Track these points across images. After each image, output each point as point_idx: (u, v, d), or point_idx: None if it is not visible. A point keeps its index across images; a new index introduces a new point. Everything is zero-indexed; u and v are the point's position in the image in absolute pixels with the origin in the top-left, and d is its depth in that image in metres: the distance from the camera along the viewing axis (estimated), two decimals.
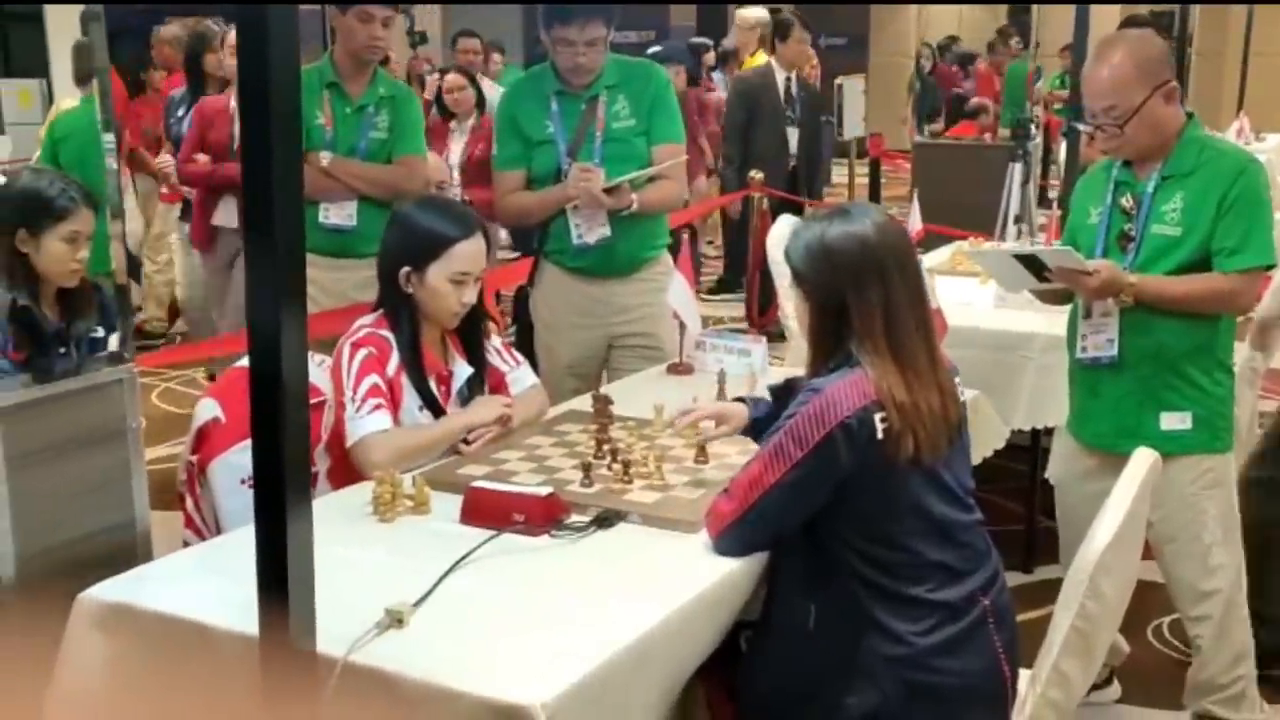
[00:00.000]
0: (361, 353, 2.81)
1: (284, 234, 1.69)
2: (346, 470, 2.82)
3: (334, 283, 4.10)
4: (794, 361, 4.25)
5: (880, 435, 2.24)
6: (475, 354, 3.03)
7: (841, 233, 2.35)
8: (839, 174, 11.02)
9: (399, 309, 2.88)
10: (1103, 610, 2.23)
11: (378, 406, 2.76)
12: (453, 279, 2.86)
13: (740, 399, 2.79)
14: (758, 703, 2.39)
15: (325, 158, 4.09)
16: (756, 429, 2.65)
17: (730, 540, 2.33)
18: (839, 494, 2.27)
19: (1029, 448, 4.42)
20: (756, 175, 7.50)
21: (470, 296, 2.90)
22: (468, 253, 2.88)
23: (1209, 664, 3.13)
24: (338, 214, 4.10)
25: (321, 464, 2.93)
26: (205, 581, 2.22)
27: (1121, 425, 3.10)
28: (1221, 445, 3.10)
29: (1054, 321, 4.01)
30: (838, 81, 8.87)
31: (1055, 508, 3.48)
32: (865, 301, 2.31)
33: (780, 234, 5.59)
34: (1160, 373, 3.05)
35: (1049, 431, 4.41)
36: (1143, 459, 2.40)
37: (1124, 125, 2.99)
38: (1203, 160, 3.01)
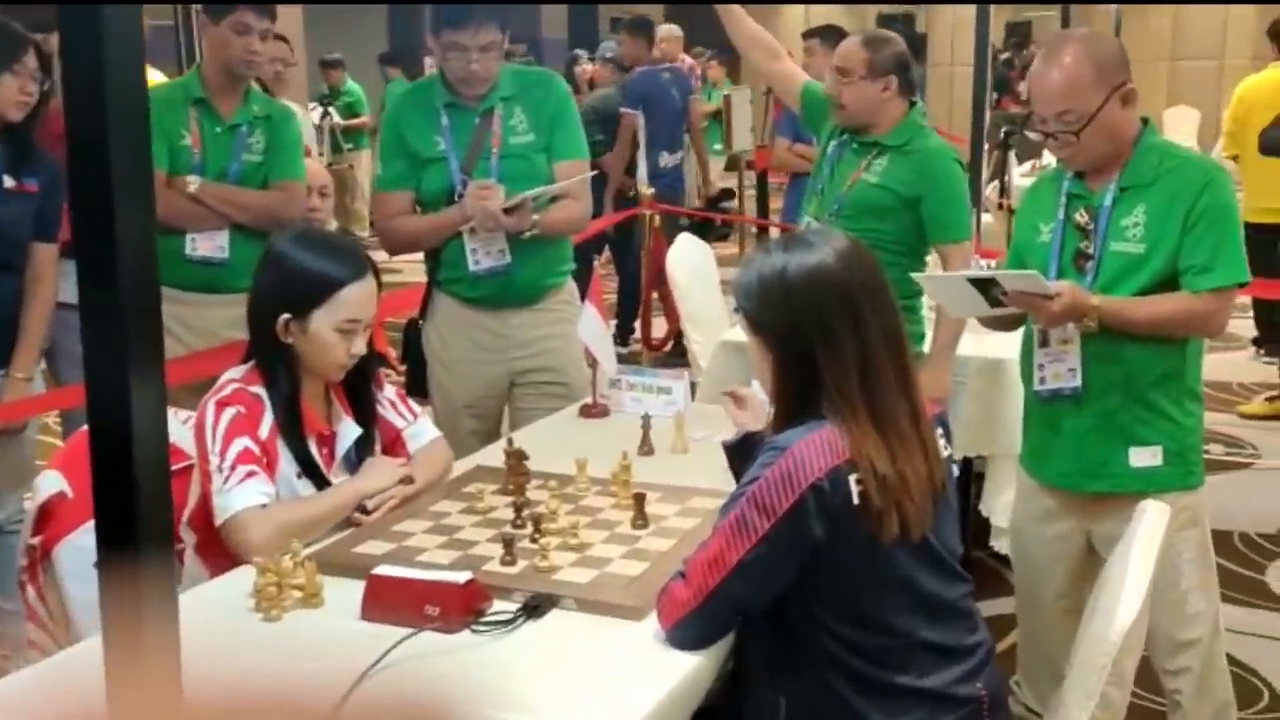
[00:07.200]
0: (229, 412, 2.41)
1: (129, 280, 1.33)
2: (220, 544, 2.42)
3: (203, 320, 3.69)
4: (704, 396, 3.93)
5: (856, 500, 1.92)
6: (364, 410, 2.64)
7: (802, 267, 2.02)
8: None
9: (274, 361, 2.49)
10: (1123, 695, 1.94)
11: (250, 475, 2.36)
12: (340, 328, 2.48)
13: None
14: None
15: (193, 182, 3.68)
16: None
17: (689, 631, 1.97)
18: (811, 568, 1.94)
19: (961, 476, 4.16)
20: (647, 191, 7.18)
21: (360, 347, 2.52)
22: (358, 298, 2.50)
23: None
24: (207, 245, 3.69)
25: (188, 539, 2.51)
26: (55, 709, 1.79)
27: (1087, 464, 2.82)
28: (1194, 480, 2.84)
29: (985, 343, 3.77)
30: (725, 93, 8.62)
31: (1010, 547, 3.21)
32: (837, 354, 1.98)
33: (683, 253, 5.30)
34: (1128, 404, 2.78)
35: (981, 459, 4.18)
36: (1154, 514, 2.11)
37: (1079, 132, 2.72)
38: (1164, 169, 2.75)
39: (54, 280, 3.55)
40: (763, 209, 9.31)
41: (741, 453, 2.10)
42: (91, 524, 2.38)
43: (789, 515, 1.91)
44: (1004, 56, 7.34)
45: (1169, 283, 2.72)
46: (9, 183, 3.41)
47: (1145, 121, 2.83)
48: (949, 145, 3.88)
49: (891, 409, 1.99)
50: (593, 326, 3.28)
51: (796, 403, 2.03)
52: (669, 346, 7.19)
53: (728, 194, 9.75)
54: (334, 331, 2.47)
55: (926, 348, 3.70)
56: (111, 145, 1.21)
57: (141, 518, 1.39)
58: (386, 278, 2.73)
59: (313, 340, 2.48)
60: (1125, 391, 2.77)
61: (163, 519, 1.43)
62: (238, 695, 0.80)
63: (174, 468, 2.47)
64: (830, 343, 1.98)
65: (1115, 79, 2.73)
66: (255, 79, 3.93)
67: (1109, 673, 1.88)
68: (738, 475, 2.08)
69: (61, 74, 1.27)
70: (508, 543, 2.26)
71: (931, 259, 3.83)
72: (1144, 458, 2.79)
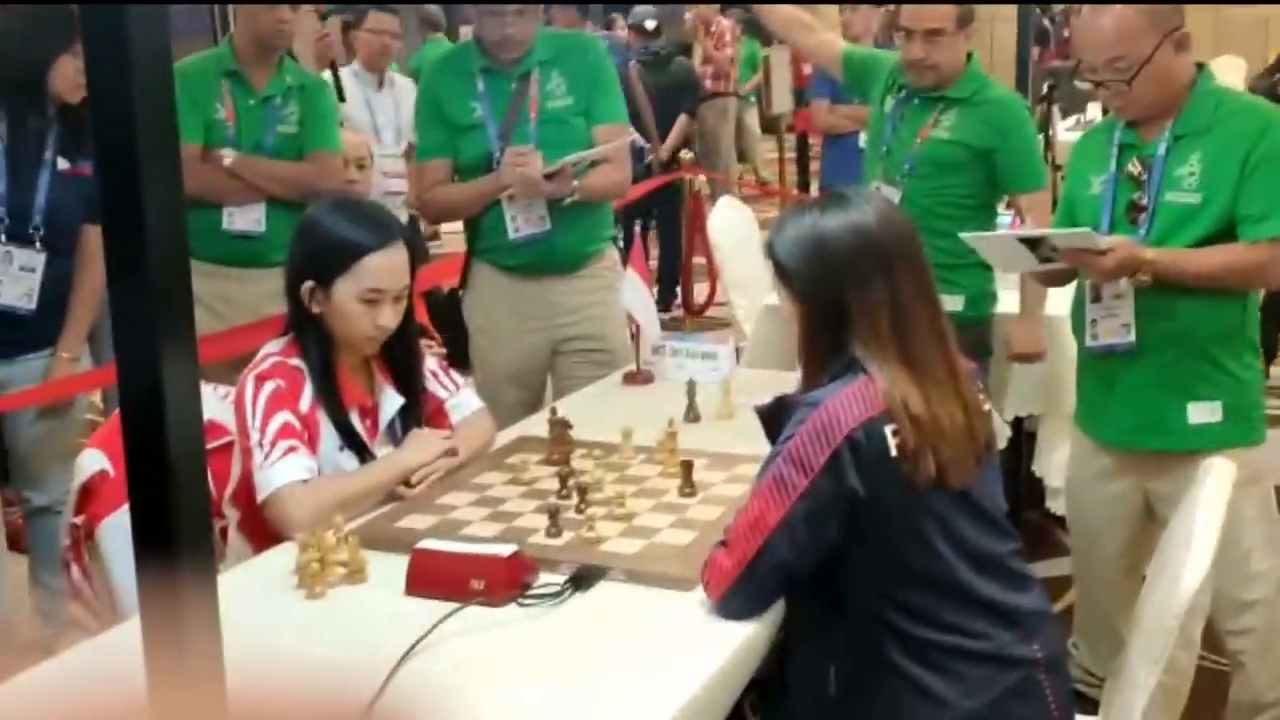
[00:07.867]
0: (268, 386, 2.36)
1: (158, 255, 1.29)
2: (263, 520, 2.39)
3: (243, 295, 3.68)
4: (750, 361, 3.87)
5: (894, 451, 1.88)
6: (408, 381, 2.58)
7: (839, 223, 2.01)
8: (769, 149, 10.66)
9: (307, 331, 2.44)
10: (1191, 657, 1.88)
11: (291, 450, 2.31)
12: (363, 297, 2.40)
13: None
14: None
15: (228, 156, 3.66)
16: None
17: (737, 600, 1.93)
18: (854, 525, 1.90)
19: (1012, 437, 4.08)
20: (687, 155, 7.11)
21: (387, 319, 2.43)
22: (382, 267, 2.41)
23: (1253, 681, 2.80)
24: (244, 219, 3.67)
25: (231, 516, 2.49)
26: (96, 693, 1.77)
27: (1143, 420, 2.75)
28: (1256, 437, 2.76)
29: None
30: (764, 53, 8.50)
31: (1066, 507, 3.14)
32: (869, 300, 1.97)
33: (725, 218, 5.22)
34: (1185, 359, 2.70)
35: (1032, 418, 4.11)
36: (1220, 472, 2.04)
37: (1132, 80, 2.63)
38: (1220, 115, 2.66)
39: (103, 262, 3.53)
40: (803, 172, 9.20)
41: (776, 416, 2.06)
42: None
43: (826, 469, 1.88)
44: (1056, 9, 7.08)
45: (1226, 233, 2.64)
46: (63, 165, 3.38)
47: (1201, 67, 2.74)
48: (1015, 94, 3.77)
49: (925, 356, 1.97)
50: (636, 292, 3.23)
51: (826, 350, 2.01)
52: (708, 312, 7.12)
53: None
54: (357, 301, 2.40)
55: (1000, 308, 3.62)
56: (137, 114, 1.18)
57: (177, 502, 1.34)
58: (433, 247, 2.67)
59: (336, 309, 2.41)
60: (1182, 346, 2.69)
61: (199, 502, 1.38)
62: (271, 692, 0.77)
63: (215, 444, 2.46)
64: (862, 290, 1.97)
65: (1168, 23, 2.65)
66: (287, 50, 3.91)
67: (1177, 637, 1.82)
68: (773, 441, 2.04)
69: (83, 46, 1.23)
70: (553, 514, 2.22)
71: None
72: (1202, 414, 2.72)
